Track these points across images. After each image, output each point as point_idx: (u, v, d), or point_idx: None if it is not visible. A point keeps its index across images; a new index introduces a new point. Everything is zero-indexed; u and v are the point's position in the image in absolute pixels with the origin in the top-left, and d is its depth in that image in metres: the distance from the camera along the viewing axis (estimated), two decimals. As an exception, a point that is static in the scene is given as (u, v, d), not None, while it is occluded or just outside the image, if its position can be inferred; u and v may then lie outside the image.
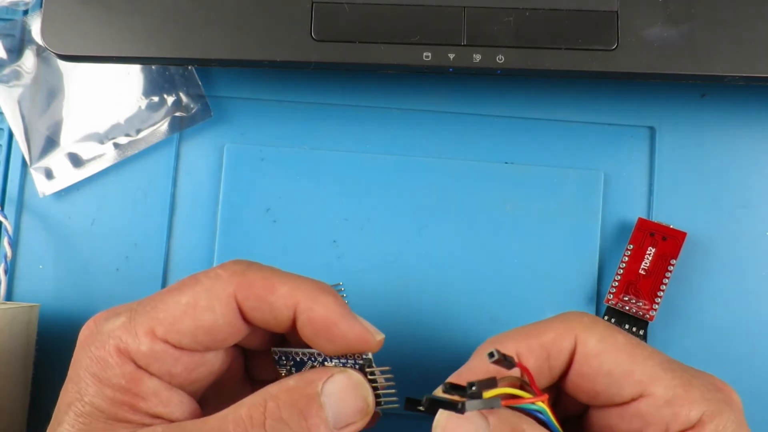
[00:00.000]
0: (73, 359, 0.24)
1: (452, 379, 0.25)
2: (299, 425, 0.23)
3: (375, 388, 0.25)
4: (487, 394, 0.22)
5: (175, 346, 0.23)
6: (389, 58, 0.30)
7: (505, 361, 0.22)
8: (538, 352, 0.24)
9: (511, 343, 0.24)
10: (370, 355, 0.25)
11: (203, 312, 0.23)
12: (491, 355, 0.22)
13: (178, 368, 0.24)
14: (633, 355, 0.23)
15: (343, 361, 0.25)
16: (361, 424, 0.24)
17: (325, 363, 0.25)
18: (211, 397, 0.26)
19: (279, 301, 0.24)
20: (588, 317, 0.24)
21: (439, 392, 0.24)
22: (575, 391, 0.25)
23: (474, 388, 0.22)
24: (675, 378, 0.23)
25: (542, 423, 0.24)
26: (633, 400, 0.23)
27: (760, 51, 0.30)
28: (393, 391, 0.25)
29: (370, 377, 0.25)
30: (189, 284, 0.24)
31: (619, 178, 0.35)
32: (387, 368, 0.25)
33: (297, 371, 0.26)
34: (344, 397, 0.24)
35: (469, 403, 0.22)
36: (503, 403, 0.23)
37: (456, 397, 0.22)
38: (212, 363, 0.25)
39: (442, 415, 0.23)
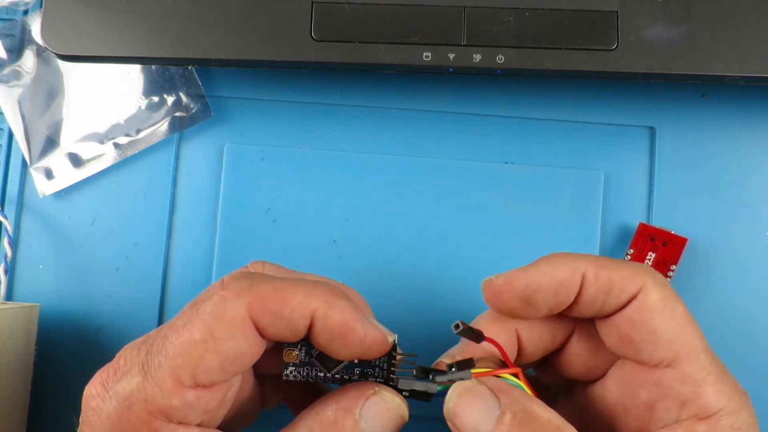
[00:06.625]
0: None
1: (436, 363, 0.25)
2: None
3: (393, 372, 0.25)
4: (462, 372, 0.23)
5: (205, 387, 0.22)
6: (389, 58, 0.30)
7: (472, 333, 0.22)
8: (603, 282, 0.24)
9: (583, 263, 0.24)
10: (394, 338, 0.24)
11: (224, 343, 0.22)
12: (456, 326, 0.22)
13: (212, 404, 0.22)
14: (684, 327, 0.23)
15: None
16: None
17: None
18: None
19: (295, 313, 0.22)
20: (659, 275, 0.24)
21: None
22: (609, 332, 0.25)
23: (453, 369, 0.23)
24: (712, 365, 0.23)
25: None
26: (658, 365, 0.23)
27: (760, 51, 0.30)
28: (412, 370, 0.25)
29: (392, 361, 0.25)
30: (194, 317, 0.22)
31: (619, 178, 0.35)
32: (414, 355, 0.25)
33: (307, 350, 0.25)
34: (382, 420, 0.24)
35: (439, 377, 0.22)
36: (474, 374, 0.23)
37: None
38: (237, 383, 0.24)
39: (453, 393, 0.23)
